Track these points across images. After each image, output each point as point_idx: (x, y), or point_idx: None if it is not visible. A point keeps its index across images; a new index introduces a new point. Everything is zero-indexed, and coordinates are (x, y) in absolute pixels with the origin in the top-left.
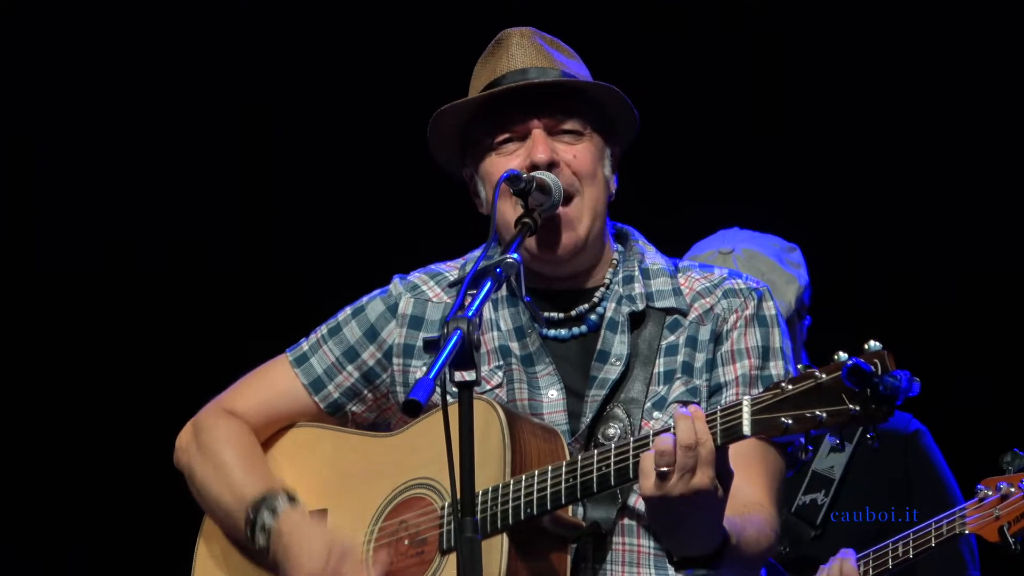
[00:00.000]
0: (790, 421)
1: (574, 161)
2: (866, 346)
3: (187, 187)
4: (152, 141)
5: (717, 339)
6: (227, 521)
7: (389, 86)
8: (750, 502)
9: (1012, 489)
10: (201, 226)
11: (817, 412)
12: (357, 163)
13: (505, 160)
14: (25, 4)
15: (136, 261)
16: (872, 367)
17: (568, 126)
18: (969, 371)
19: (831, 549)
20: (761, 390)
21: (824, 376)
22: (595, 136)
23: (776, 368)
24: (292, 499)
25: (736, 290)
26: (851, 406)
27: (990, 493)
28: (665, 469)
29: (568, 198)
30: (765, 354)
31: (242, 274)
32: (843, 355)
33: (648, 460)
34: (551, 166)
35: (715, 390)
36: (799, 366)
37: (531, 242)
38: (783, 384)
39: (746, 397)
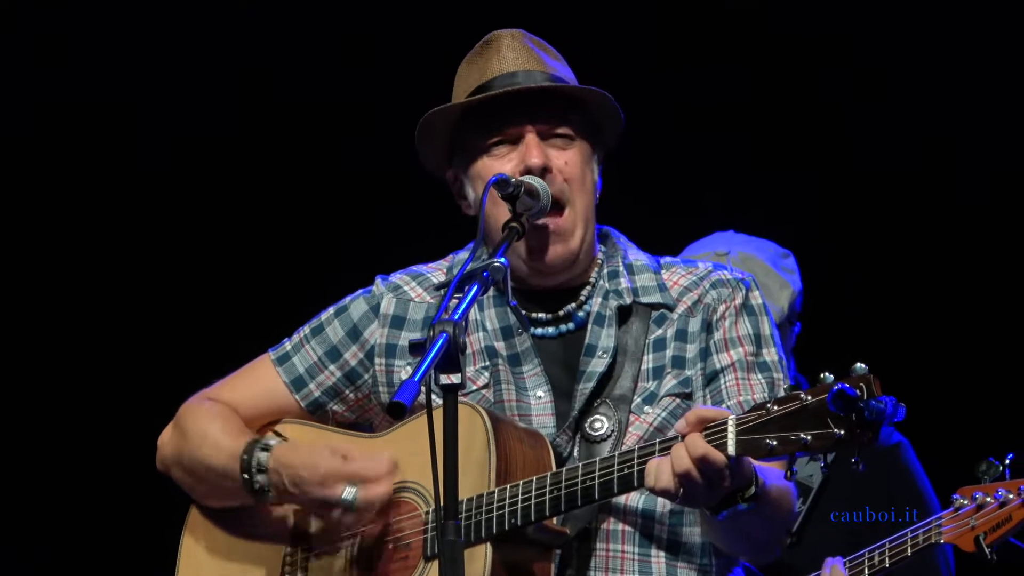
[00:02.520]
0: (775, 443)
1: (565, 168)
2: (852, 370)
3: (181, 185)
4: (149, 140)
5: (708, 328)
6: (222, 483)
7: (387, 87)
8: None
9: (988, 499)
10: (193, 224)
11: (802, 435)
12: (349, 162)
13: (498, 163)
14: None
15: (129, 259)
16: (858, 392)
17: (560, 131)
18: (947, 380)
19: (807, 557)
20: (760, 376)
21: (809, 398)
22: (583, 142)
23: (770, 355)
24: (282, 437)
25: (724, 281)
26: (836, 430)
27: (966, 503)
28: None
29: (560, 208)
30: (758, 341)
31: (231, 274)
32: (829, 377)
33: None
34: (544, 171)
35: (712, 377)
36: (784, 387)
37: (523, 250)
38: (768, 405)
39: (731, 416)
